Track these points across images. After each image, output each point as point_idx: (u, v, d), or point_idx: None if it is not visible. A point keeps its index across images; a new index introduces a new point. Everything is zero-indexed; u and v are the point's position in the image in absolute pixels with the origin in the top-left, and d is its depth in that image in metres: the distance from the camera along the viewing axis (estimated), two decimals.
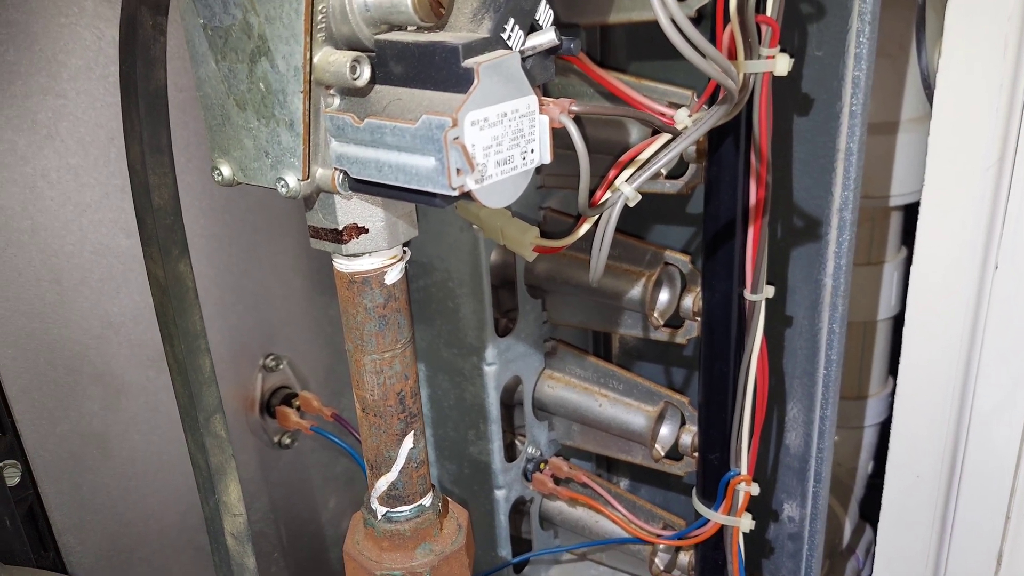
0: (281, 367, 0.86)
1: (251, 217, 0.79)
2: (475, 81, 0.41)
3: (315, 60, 0.44)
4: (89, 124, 0.66)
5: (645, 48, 0.84)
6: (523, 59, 0.45)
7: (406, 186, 0.43)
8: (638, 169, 0.57)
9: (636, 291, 0.85)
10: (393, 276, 0.51)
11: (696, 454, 0.86)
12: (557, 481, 0.97)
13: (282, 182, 0.46)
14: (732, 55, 0.64)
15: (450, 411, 0.96)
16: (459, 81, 0.42)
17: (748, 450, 0.78)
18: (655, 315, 0.85)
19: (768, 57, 0.64)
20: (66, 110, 0.64)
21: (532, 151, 0.45)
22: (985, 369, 0.80)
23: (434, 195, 0.42)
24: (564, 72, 0.78)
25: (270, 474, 0.88)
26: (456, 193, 0.41)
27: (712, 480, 0.81)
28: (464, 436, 0.96)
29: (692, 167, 0.77)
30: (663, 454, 0.91)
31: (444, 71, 0.42)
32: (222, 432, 0.58)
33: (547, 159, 0.45)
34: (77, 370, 0.69)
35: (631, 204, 0.52)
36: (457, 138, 0.40)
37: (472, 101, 0.41)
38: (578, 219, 0.62)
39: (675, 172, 0.78)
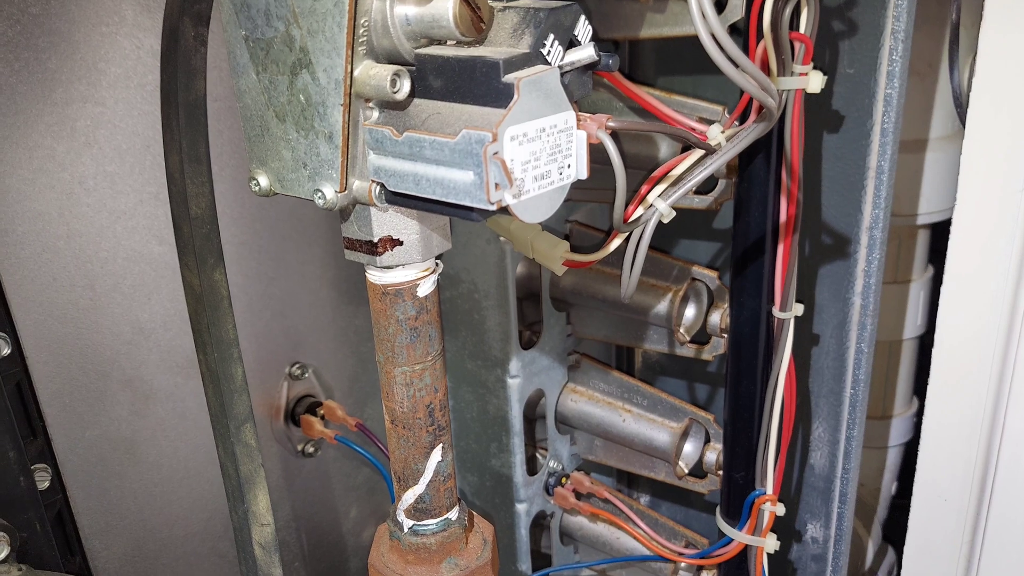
0: (307, 376, 0.86)
1: (280, 227, 0.80)
2: (515, 96, 0.41)
3: (356, 73, 0.44)
4: (126, 132, 0.66)
5: (675, 63, 0.85)
6: (562, 74, 0.45)
7: (443, 200, 0.43)
8: (671, 185, 0.58)
9: (663, 306, 0.84)
10: (426, 288, 0.51)
11: (720, 472, 0.85)
12: (578, 496, 0.97)
13: (319, 194, 0.47)
14: (765, 71, 0.64)
15: (473, 423, 0.96)
16: (499, 96, 0.42)
17: (774, 469, 0.78)
18: (681, 331, 0.85)
19: (801, 74, 0.64)
20: (104, 118, 0.65)
21: (569, 166, 0.45)
22: (1017, 392, 0.79)
23: (471, 209, 0.42)
24: (595, 87, 0.78)
25: (293, 482, 0.88)
26: (494, 208, 0.41)
27: (737, 499, 0.80)
28: (486, 449, 0.96)
29: (722, 182, 0.77)
30: (687, 471, 0.90)
31: (484, 86, 0.42)
32: (252, 441, 0.58)
33: (584, 175, 0.45)
34: (107, 375, 0.69)
35: (665, 220, 0.52)
36: (497, 153, 0.40)
37: (512, 116, 0.41)
38: (608, 233, 0.62)
39: (704, 187, 0.78)
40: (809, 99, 0.67)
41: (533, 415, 0.98)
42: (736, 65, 0.48)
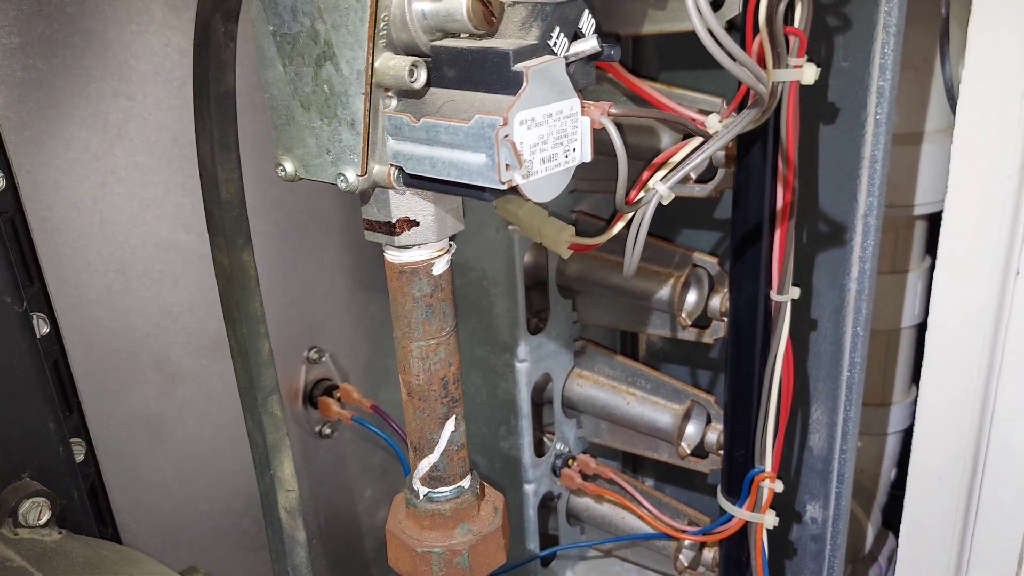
0: (324, 360, 0.89)
1: (300, 215, 0.83)
2: (524, 84, 0.44)
3: (376, 64, 0.48)
4: (155, 125, 0.70)
5: (676, 58, 0.88)
6: (567, 64, 0.49)
7: (458, 181, 0.47)
8: (671, 171, 0.61)
9: (665, 292, 0.88)
10: (440, 267, 0.55)
11: (721, 452, 0.88)
12: (584, 477, 1.00)
13: (342, 177, 0.50)
14: (762, 64, 0.67)
15: (482, 407, 0.99)
16: (509, 84, 0.45)
17: (772, 448, 0.81)
18: (683, 315, 0.88)
19: (796, 67, 0.68)
20: (135, 111, 0.69)
21: (574, 150, 0.48)
22: (1006, 375, 0.82)
23: (484, 189, 0.46)
24: (598, 80, 0.82)
25: (310, 463, 0.92)
26: (505, 187, 0.45)
27: (737, 477, 0.83)
28: (495, 432, 0.99)
29: (721, 172, 0.80)
30: (689, 452, 0.93)
31: (495, 75, 0.46)
32: (278, 411, 0.61)
33: (587, 158, 0.49)
34: (137, 356, 0.73)
35: (665, 202, 0.55)
36: (507, 136, 0.44)
37: (521, 102, 0.44)
38: (611, 220, 0.65)
39: (704, 176, 0.82)
40: (805, 92, 0.70)
41: (540, 399, 1.02)
42: (731, 57, 0.51)
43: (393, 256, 0.55)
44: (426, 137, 0.47)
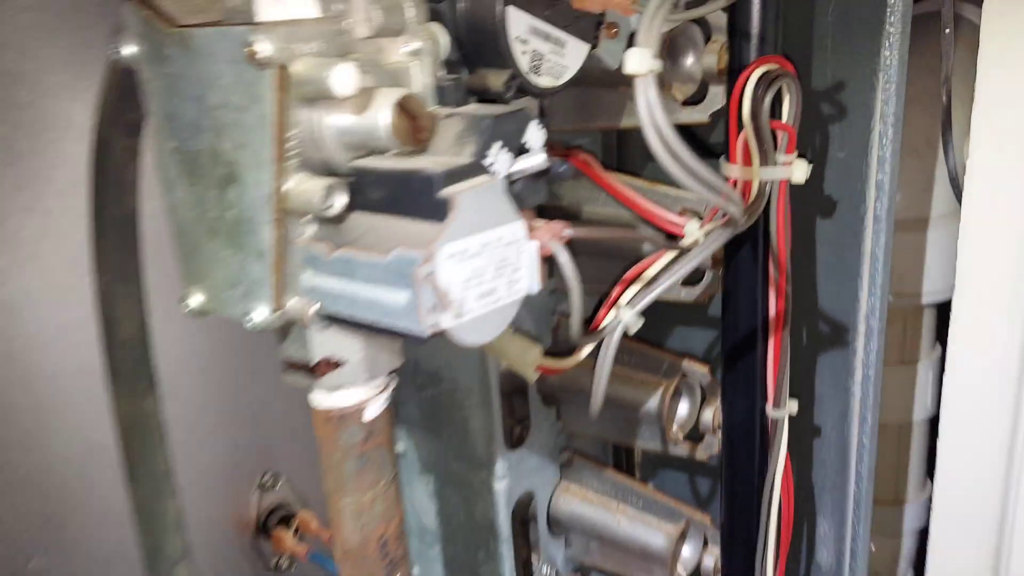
0: (279, 485, 0.81)
1: (252, 333, 0.76)
2: (453, 212, 0.37)
3: (288, 187, 0.41)
4: (73, 242, 0.63)
5: None
6: (511, 182, 0.42)
7: (378, 324, 0.39)
8: (644, 287, 0.54)
9: (653, 403, 0.80)
10: (374, 411, 0.47)
11: None
12: None
13: (248, 316, 0.43)
14: (747, 162, 0.60)
15: (460, 528, 0.91)
16: (437, 210, 0.38)
17: (774, 573, 0.72)
18: (674, 429, 0.80)
19: (785, 164, 0.61)
20: (50, 228, 0.62)
21: (519, 280, 0.41)
22: None
23: (407, 334, 0.38)
24: (576, 176, 0.75)
25: None
26: (428, 333, 0.37)
27: None
28: (474, 556, 0.90)
29: (709, 274, 0.73)
30: None
31: (421, 200, 0.39)
32: None
33: (536, 288, 0.42)
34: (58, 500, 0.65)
35: (631, 332, 0.48)
36: (431, 274, 0.37)
37: (449, 233, 0.37)
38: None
39: (691, 279, 0.74)
40: (800, 185, 0.64)
41: (526, 516, 0.93)
42: (697, 177, 0.44)
43: (317, 401, 0.47)
44: (343, 271, 0.40)
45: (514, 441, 0.86)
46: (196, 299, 0.46)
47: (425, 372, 0.87)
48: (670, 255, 0.53)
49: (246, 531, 0.80)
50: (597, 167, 0.69)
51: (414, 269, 0.36)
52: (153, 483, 0.50)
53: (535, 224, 0.42)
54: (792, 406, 0.69)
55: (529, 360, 0.60)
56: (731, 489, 0.74)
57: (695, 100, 0.71)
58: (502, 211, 0.40)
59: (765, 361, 0.68)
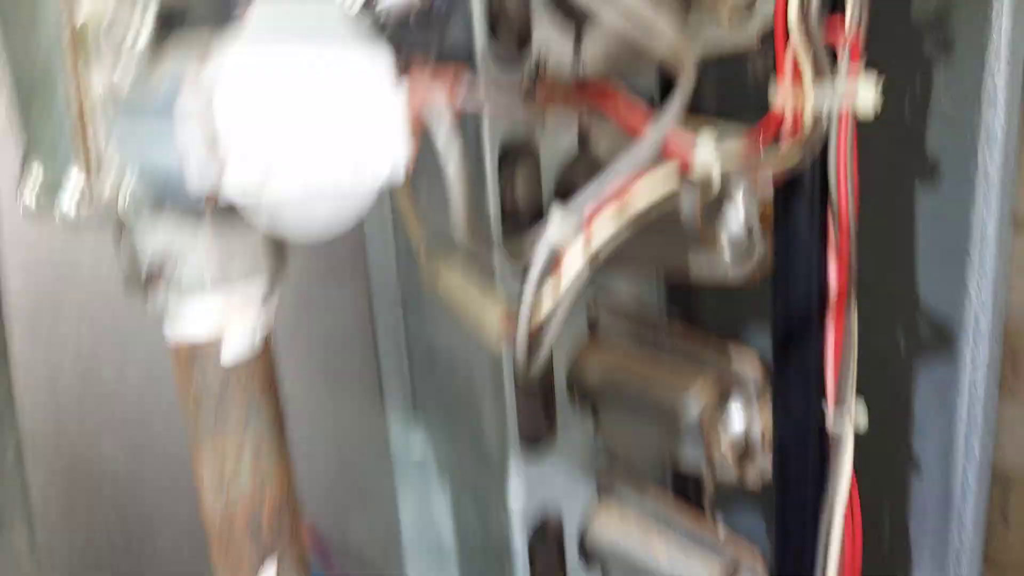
0: None
1: None
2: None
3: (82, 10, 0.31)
4: None
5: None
6: (381, 23, 0.30)
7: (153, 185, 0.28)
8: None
9: (692, 408, 0.65)
10: (234, 348, 0.36)
11: None
12: None
13: (61, 197, 0.33)
14: (797, 81, 0.46)
15: (477, 551, 0.78)
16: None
17: None
18: (722, 446, 0.65)
19: (847, 85, 0.46)
20: None
21: (374, 153, 0.29)
22: None
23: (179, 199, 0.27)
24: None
25: None
26: (203, 200, 0.26)
27: None
28: None
29: (760, 246, 0.58)
30: None
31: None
32: None
33: (398, 169, 0.29)
34: None
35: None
36: (207, 108, 0.25)
37: (243, 40, 0.26)
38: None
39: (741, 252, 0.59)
40: (897, 136, 0.49)
41: (549, 536, 0.79)
42: None
43: (167, 328, 0.36)
44: (132, 127, 0.29)
45: (534, 443, 0.73)
46: (37, 172, 0.36)
47: (443, 366, 0.76)
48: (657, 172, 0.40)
49: None
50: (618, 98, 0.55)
51: (178, 97, 0.25)
52: None
53: (416, 73, 0.30)
54: (860, 416, 0.53)
55: (489, 319, 0.47)
56: (782, 523, 0.58)
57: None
58: (339, 33, 0.28)
59: (823, 353, 0.52)
